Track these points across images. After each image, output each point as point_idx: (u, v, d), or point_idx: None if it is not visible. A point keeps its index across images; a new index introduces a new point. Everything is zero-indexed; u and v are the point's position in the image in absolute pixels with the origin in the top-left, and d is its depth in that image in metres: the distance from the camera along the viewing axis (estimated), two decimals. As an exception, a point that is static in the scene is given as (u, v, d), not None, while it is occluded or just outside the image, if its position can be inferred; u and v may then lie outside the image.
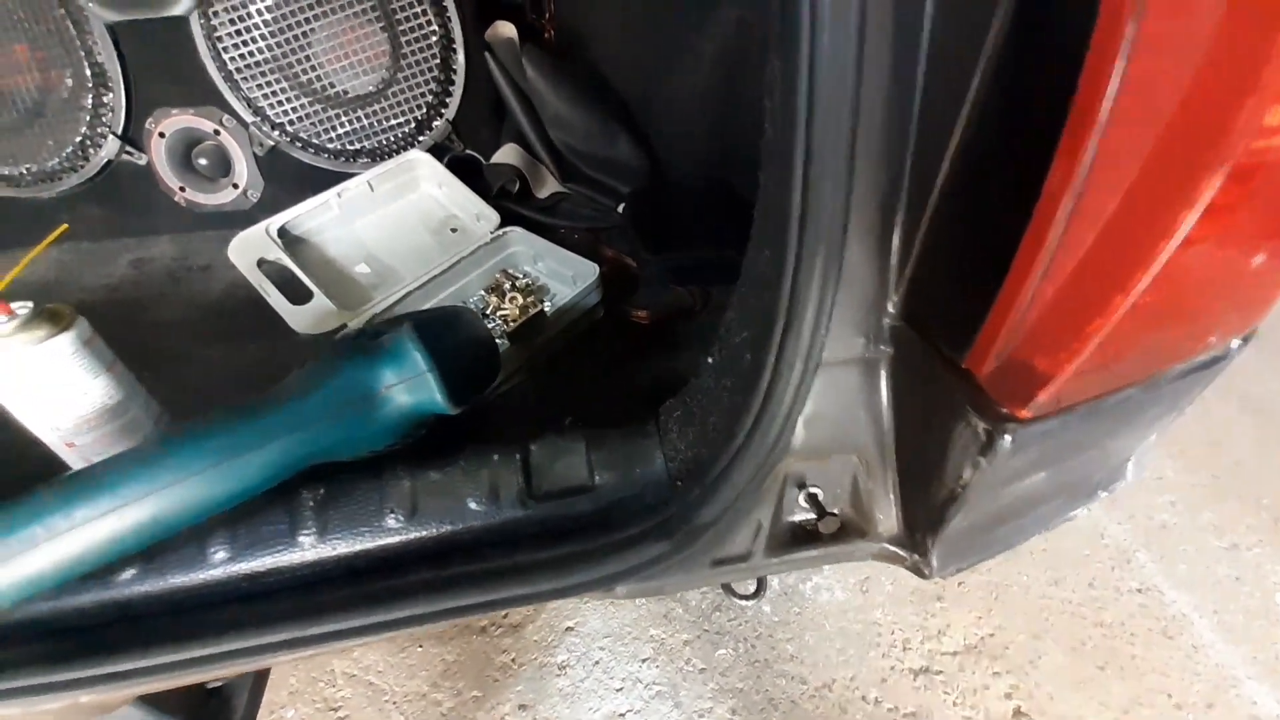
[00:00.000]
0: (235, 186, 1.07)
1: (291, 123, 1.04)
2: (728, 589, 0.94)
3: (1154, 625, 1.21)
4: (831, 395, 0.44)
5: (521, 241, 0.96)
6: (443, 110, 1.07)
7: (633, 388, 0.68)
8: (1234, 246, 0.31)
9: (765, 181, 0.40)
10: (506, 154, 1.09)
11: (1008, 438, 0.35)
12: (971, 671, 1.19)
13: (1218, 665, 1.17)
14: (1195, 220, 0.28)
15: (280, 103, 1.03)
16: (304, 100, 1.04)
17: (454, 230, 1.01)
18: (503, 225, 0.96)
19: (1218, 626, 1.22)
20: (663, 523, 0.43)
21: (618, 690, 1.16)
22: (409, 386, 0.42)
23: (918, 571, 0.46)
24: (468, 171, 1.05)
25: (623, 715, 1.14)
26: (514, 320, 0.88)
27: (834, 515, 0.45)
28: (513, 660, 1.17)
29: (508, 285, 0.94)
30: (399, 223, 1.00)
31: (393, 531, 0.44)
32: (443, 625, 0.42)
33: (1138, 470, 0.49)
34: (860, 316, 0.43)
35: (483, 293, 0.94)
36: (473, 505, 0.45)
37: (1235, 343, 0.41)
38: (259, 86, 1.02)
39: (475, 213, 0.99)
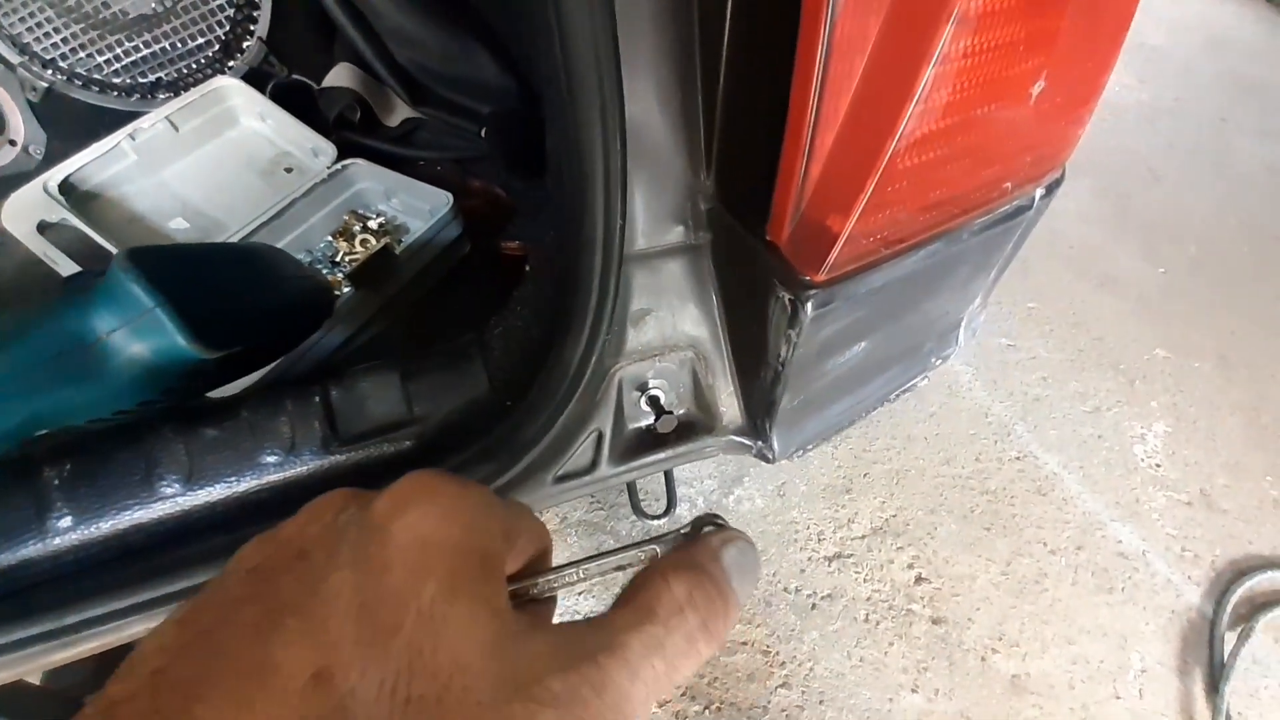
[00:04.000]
0: (13, 143, 0.89)
1: (64, 57, 0.87)
2: (638, 511, 0.94)
3: (1030, 486, 1.35)
4: (657, 289, 0.42)
5: (368, 176, 0.86)
6: (251, 27, 0.92)
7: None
8: (1003, 64, 0.29)
9: (538, 42, 0.35)
10: (340, 76, 0.96)
11: (809, 305, 0.34)
12: (878, 550, 1.29)
13: (1084, 513, 1.32)
14: (951, 33, 0.26)
15: (48, 34, 0.86)
16: (75, 28, 0.87)
17: (289, 170, 0.89)
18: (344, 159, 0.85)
19: (1083, 480, 1.36)
20: (487, 445, 0.40)
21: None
22: (135, 329, 0.35)
23: (763, 457, 0.46)
24: (297, 100, 0.92)
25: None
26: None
27: (670, 415, 0.43)
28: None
29: (358, 227, 0.86)
30: (219, 166, 0.87)
31: (168, 499, 0.38)
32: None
33: (969, 336, 0.50)
34: (675, 201, 0.40)
35: (330, 238, 0.85)
36: (267, 459, 0.40)
37: (1039, 191, 0.41)
38: (21, 20, 0.84)
39: (311, 147, 0.88)
